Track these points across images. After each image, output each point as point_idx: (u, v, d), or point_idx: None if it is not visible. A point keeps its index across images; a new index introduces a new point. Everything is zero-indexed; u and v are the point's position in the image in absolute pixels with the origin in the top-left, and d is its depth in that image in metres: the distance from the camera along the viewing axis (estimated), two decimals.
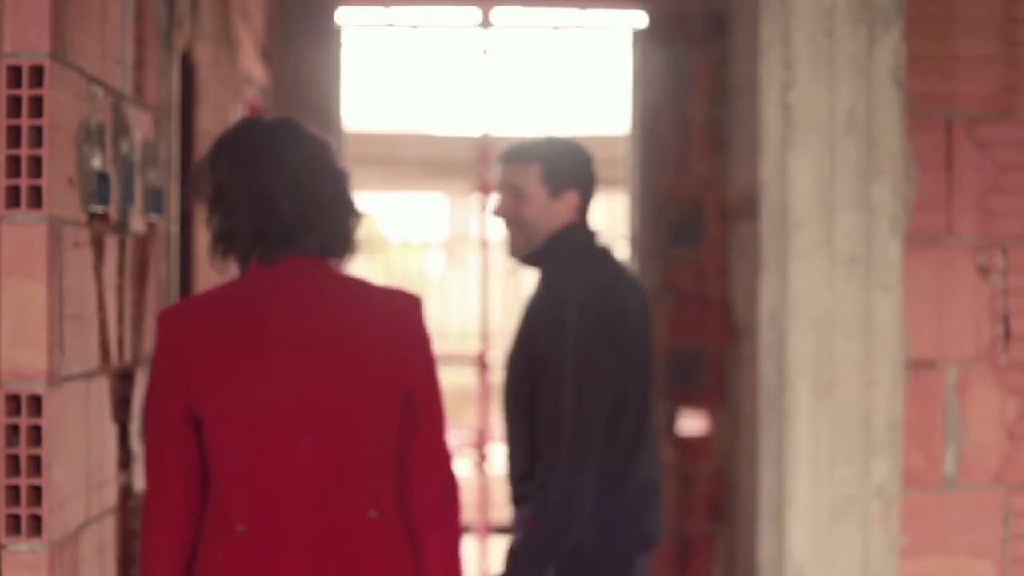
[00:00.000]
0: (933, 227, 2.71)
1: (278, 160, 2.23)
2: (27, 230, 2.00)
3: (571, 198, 3.05)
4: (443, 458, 2.29)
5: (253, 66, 4.77)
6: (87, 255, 2.23)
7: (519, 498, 3.12)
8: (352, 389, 2.19)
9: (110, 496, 2.39)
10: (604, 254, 3.11)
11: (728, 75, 5.44)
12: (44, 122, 2.01)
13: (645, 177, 5.59)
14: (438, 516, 2.28)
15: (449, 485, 2.29)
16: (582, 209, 3.09)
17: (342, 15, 5.54)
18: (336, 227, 2.26)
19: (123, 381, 2.48)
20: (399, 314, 2.26)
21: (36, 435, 2.01)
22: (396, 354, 2.23)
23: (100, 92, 2.29)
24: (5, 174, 2.01)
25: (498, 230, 3.37)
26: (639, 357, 3.05)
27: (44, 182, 2.01)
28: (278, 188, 2.21)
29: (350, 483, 2.19)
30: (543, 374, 3.00)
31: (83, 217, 2.20)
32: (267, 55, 5.20)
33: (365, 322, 2.24)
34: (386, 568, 2.22)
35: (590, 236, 3.10)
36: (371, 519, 2.20)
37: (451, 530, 2.29)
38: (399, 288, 2.32)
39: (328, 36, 5.47)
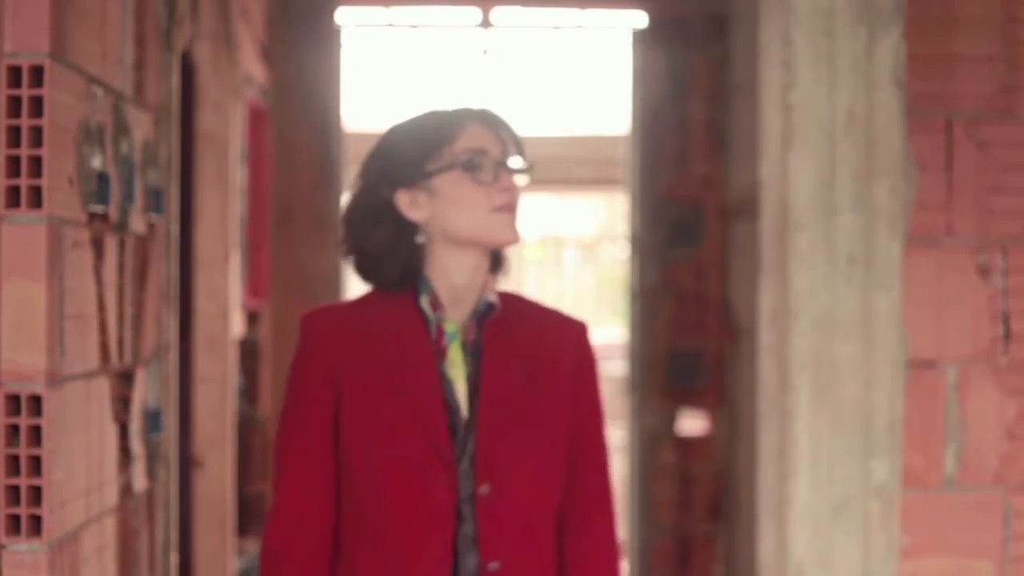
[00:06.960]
0: (933, 227, 2.71)
1: None
2: (27, 230, 2.00)
3: None
4: None
5: (253, 66, 4.77)
6: (87, 255, 2.23)
7: None
8: None
9: (110, 496, 2.39)
10: None
11: (728, 75, 5.44)
12: (44, 122, 2.01)
13: (645, 177, 5.59)
14: None
15: None
16: None
17: (342, 15, 5.54)
18: None
19: (123, 381, 2.48)
20: None
21: (36, 435, 2.01)
22: None
23: (100, 92, 2.29)
24: (5, 174, 2.01)
25: None
26: None
27: (44, 182, 2.01)
28: None
29: None
30: None
31: (83, 217, 2.20)
32: (267, 55, 5.20)
33: None
34: None
35: None
36: None
37: None
38: None
39: (328, 36, 5.47)
